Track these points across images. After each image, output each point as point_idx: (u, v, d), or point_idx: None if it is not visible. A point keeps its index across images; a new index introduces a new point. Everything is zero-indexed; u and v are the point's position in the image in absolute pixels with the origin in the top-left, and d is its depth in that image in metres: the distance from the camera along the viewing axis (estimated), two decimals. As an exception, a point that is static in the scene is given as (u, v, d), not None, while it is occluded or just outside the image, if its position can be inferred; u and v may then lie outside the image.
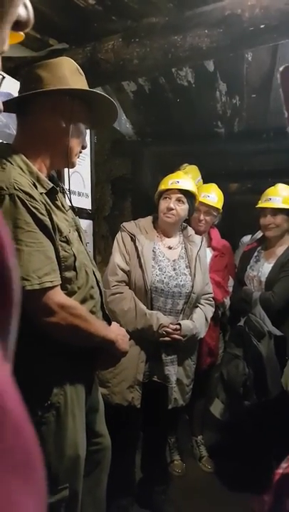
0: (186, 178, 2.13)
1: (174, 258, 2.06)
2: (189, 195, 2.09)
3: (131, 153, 3.38)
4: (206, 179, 2.89)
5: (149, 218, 2.17)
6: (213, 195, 2.61)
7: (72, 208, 1.41)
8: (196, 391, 2.40)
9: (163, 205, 2.06)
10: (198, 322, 2.05)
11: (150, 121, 3.27)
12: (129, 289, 1.99)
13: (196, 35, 1.76)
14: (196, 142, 3.46)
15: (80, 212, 2.23)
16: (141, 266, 1.96)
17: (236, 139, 3.49)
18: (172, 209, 2.03)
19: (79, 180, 2.28)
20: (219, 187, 2.74)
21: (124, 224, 2.11)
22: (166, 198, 2.07)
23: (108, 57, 1.92)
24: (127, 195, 3.44)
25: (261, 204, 2.48)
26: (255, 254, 2.57)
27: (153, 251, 2.02)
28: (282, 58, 2.34)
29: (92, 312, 1.29)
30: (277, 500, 0.34)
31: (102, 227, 3.21)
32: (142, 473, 2.26)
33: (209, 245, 2.67)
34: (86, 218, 2.31)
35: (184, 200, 2.07)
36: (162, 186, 2.10)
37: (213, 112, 3.08)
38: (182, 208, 2.07)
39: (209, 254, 2.58)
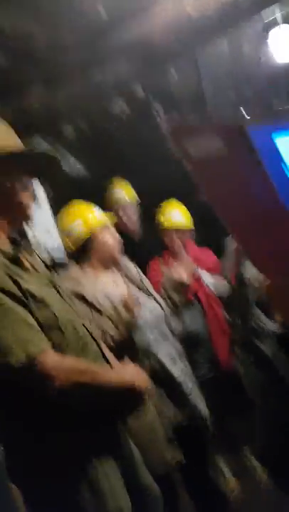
0: (93, 208, 2.00)
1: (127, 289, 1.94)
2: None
3: (90, 193, 3.37)
4: (174, 195, 2.88)
5: (75, 265, 1.94)
6: (177, 214, 2.58)
7: (45, 264, 1.37)
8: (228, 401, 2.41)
9: (109, 240, 1.92)
10: None
11: (100, 157, 3.28)
12: None
13: (116, 63, 1.79)
14: (153, 167, 3.47)
15: (58, 264, 2.19)
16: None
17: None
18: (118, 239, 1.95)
19: (46, 233, 2.25)
20: (191, 197, 2.72)
21: (68, 289, 1.77)
22: (106, 231, 1.93)
23: (34, 109, 1.92)
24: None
25: None
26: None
27: (107, 296, 1.83)
28: (204, 65, 2.40)
29: None
30: None
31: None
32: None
33: None
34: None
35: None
36: (95, 222, 1.92)
37: (158, 133, 3.11)
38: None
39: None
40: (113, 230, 1.95)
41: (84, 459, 1.14)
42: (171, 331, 1.96)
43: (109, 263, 1.94)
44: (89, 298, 1.75)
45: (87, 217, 1.92)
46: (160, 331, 1.89)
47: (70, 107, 1.90)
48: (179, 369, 1.87)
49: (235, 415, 2.62)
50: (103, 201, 2.88)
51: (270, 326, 2.21)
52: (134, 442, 1.43)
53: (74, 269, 1.91)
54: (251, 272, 2.40)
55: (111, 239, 1.91)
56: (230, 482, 2.49)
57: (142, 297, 1.90)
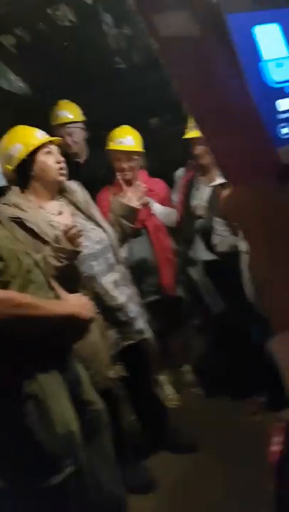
0: (37, 130, 1.87)
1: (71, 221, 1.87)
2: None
3: (35, 112, 3.15)
4: (122, 120, 2.77)
5: (16, 190, 1.84)
6: (128, 139, 2.48)
7: None
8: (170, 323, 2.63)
9: (48, 160, 1.79)
10: None
11: (44, 74, 3.02)
12: None
13: None
14: (99, 84, 3.27)
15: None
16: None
17: (140, 71, 3.33)
18: (61, 161, 1.82)
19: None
20: (139, 125, 2.63)
21: (5, 214, 1.66)
22: (46, 153, 1.80)
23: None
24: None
25: (189, 134, 2.43)
26: (195, 182, 2.59)
27: (51, 225, 1.77)
28: None
29: (38, 297, 1.24)
30: (282, 485, 0.33)
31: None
32: (141, 423, 2.29)
33: None
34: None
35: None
36: (33, 141, 1.80)
37: (107, 47, 2.90)
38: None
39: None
40: (56, 152, 1.84)
41: (31, 379, 1.19)
42: (118, 260, 1.98)
43: (53, 189, 1.86)
44: (30, 225, 1.68)
45: (28, 140, 1.80)
46: (106, 261, 1.90)
47: (11, 15, 1.69)
48: (123, 294, 1.92)
49: (176, 335, 2.83)
50: (48, 122, 2.72)
51: (203, 254, 2.41)
52: (78, 360, 1.51)
53: (16, 196, 1.81)
54: (201, 201, 2.47)
55: (52, 161, 1.80)
56: (170, 396, 2.74)
57: (89, 227, 1.88)
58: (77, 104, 2.80)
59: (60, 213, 1.85)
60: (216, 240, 2.37)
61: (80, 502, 1.27)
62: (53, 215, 1.81)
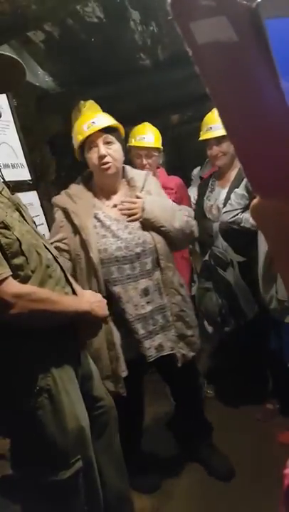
0: (95, 115, 1.74)
1: (124, 216, 1.74)
2: (113, 130, 1.72)
3: (60, 107, 3.17)
4: (142, 115, 2.76)
5: (79, 180, 1.82)
6: (149, 136, 2.50)
7: (6, 185, 1.31)
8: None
9: (92, 156, 1.70)
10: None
11: (70, 69, 3.05)
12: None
13: None
14: (123, 80, 3.27)
15: (19, 186, 2.11)
16: (83, 244, 1.64)
17: (164, 67, 3.32)
18: (104, 155, 1.68)
19: (9, 151, 2.13)
20: (160, 121, 2.63)
21: (54, 199, 1.75)
22: (91, 147, 1.70)
23: (3, 8, 1.72)
24: (68, 153, 3.29)
25: (203, 136, 2.42)
26: (210, 183, 2.56)
27: (96, 218, 1.69)
28: None
29: (55, 291, 1.25)
30: None
31: (51, 193, 3.08)
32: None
33: None
34: (28, 190, 2.18)
35: (112, 138, 1.71)
36: (79, 136, 1.70)
37: (133, 44, 2.90)
38: (115, 149, 1.71)
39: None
40: (101, 146, 1.68)
41: (45, 373, 1.20)
42: (160, 266, 1.76)
43: (107, 183, 1.75)
44: (73, 218, 1.65)
45: (77, 134, 1.69)
46: (142, 266, 1.71)
47: (42, 11, 1.70)
48: (151, 303, 1.72)
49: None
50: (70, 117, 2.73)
51: (233, 255, 2.32)
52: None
53: (74, 186, 1.79)
54: (220, 201, 2.43)
55: (96, 157, 1.68)
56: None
57: (136, 225, 1.73)
58: (101, 100, 2.78)
59: (115, 207, 1.75)
60: (227, 207, 2.27)
61: (87, 497, 1.28)
62: (107, 208, 1.74)
